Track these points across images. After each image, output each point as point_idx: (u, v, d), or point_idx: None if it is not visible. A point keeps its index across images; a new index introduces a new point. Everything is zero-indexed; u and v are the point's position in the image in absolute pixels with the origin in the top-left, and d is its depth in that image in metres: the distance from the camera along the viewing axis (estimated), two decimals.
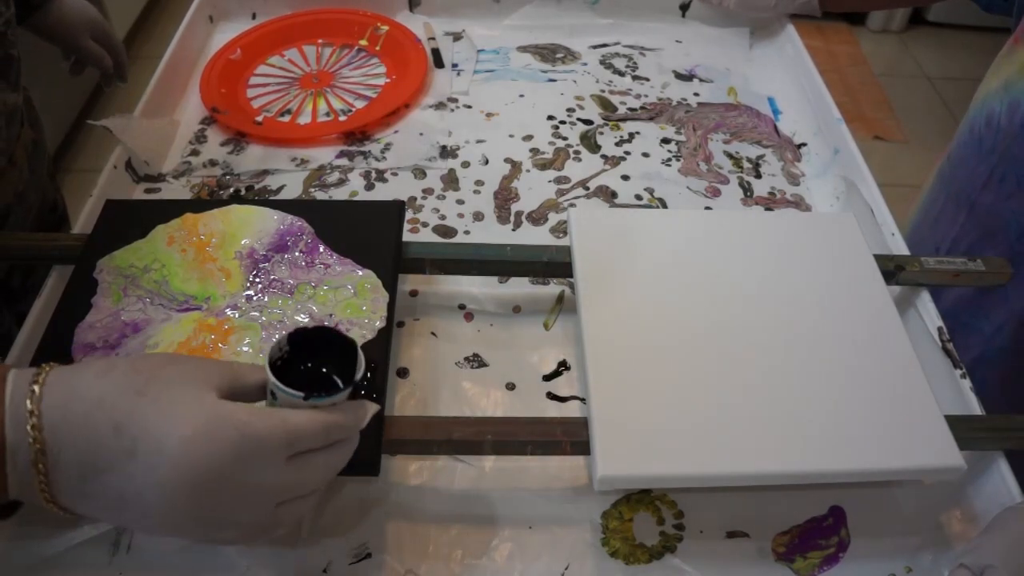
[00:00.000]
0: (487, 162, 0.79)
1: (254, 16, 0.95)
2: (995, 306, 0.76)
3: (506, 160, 0.79)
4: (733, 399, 0.52)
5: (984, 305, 0.76)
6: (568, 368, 0.61)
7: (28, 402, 0.37)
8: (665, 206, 0.75)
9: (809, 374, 0.54)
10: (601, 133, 0.83)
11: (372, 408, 0.42)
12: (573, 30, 0.97)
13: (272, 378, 0.39)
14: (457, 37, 0.95)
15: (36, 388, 0.38)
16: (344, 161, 0.78)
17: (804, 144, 0.83)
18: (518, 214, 0.73)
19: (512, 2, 0.97)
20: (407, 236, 0.68)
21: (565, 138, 0.82)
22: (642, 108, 0.86)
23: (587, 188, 0.76)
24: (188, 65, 0.88)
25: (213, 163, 0.77)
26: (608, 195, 0.76)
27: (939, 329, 0.61)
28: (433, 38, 0.94)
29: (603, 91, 0.88)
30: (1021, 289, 0.72)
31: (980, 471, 0.55)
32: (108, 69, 0.86)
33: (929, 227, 0.85)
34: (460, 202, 0.74)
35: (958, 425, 0.51)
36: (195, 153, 0.78)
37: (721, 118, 0.86)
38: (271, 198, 0.73)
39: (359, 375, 0.41)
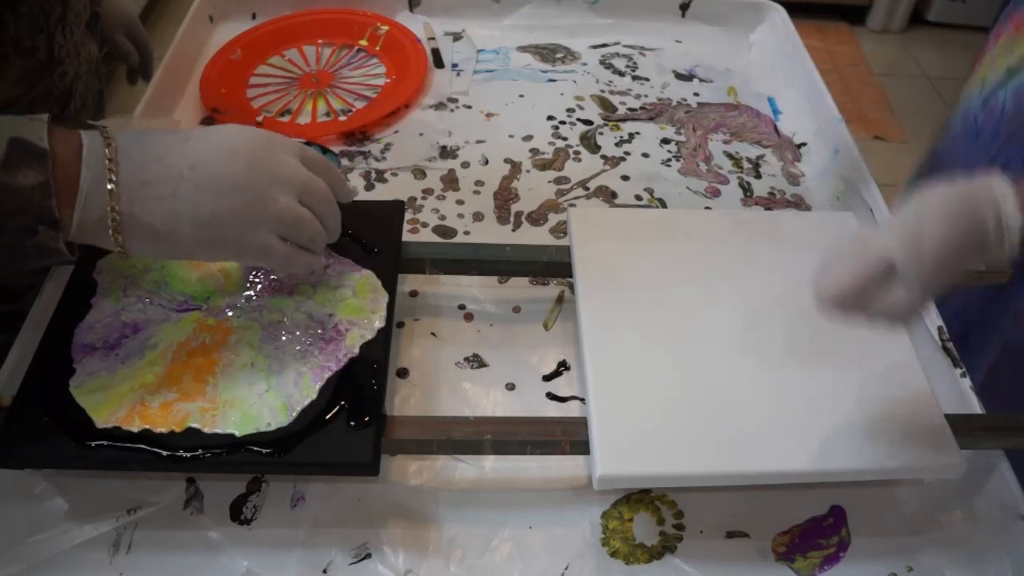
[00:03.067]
0: (487, 162, 0.79)
1: (254, 16, 0.95)
2: (996, 310, 0.75)
3: (506, 160, 0.79)
4: (733, 399, 0.52)
5: (985, 308, 0.76)
6: (568, 368, 0.61)
7: (102, 131, 0.46)
8: (665, 206, 0.75)
9: (809, 373, 0.54)
10: (601, 133, 0.83)
11: (353, 190, 0.54)
12: (573, 30, 0.97)
13: None
14: (457, 37, 0.95)
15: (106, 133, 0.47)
16: (344, 161, 0.78)
17: (804, 144, 0.83)
18: (518, 214, 0.73)
19: (512, 2, 0.97)
20: (407, 236, 0.68)
21: (565, 138, 0.82)
22: (642, 108, 0.86)
23: (587, 188, 0.76)
24: (188, 65, 0.88)
25: None
26: (608, 195, 0.76)
27: (939, 329, 0.61)
28: (433, 38, 0.94)
29: (603, 91, 0.88)
30: None
31: (980, 470, 0.55)
32: (134, 64, 0.90)
33: None
34: (460, 202, 0.74)
35: (958, 424, 0.51)
36: None
37: (721, 118, 0.86)
38: None
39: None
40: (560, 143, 0.81)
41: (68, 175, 0.44)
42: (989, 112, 0.75)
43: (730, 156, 0.81)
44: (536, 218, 0.73)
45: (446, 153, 0.79)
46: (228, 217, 0.47)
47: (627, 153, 0.81)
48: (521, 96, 0.87)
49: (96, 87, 0.78)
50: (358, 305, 0.56)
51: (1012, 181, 0.43)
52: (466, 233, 0.71)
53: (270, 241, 0.49)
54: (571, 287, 0.66)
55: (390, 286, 0.58)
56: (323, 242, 0.52)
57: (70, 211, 0.45)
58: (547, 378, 0.61)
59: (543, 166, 0.79)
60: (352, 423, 0.50)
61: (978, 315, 0.77)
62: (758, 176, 0.79)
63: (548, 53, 0.94)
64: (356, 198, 0.73)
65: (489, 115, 0.84)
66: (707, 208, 0.75)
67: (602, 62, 0.93)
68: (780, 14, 0.97)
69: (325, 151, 0.52)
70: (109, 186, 0.45)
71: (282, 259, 0.50)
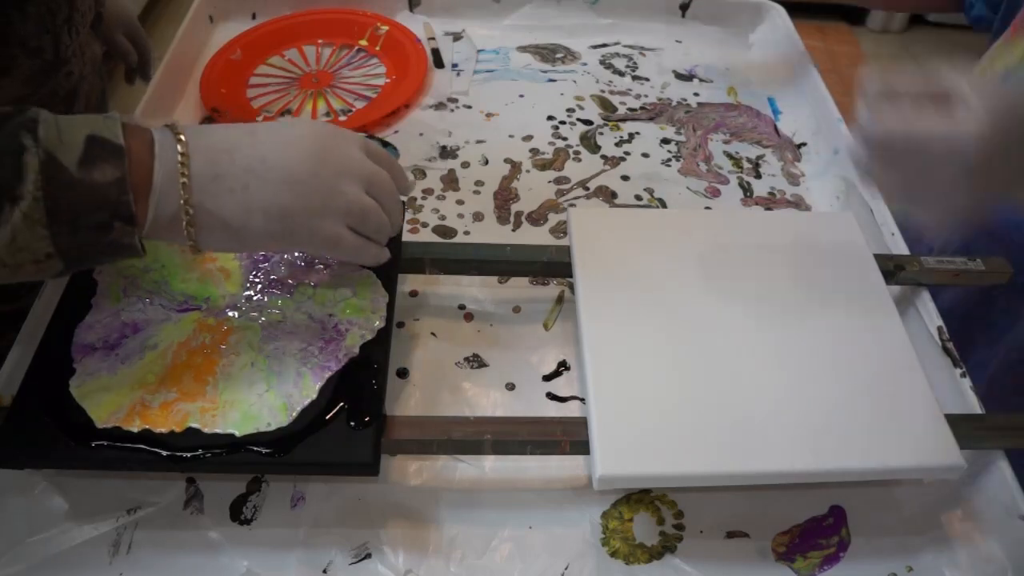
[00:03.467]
0: (487, 162, 0.79)
1: (254, 16, 0.95)
2: (997, 312, 0.75)
3: (506, 160, 0.79)
4: (733, 398, 0.52)
5: (999, 300, 0.75)
6: (568, 368, 0.61)
7: (171, 127, 0.47)
8: (665, 206, 0.75)
9: (809, 373, 0.54)
10: (601, 133, 0.83)
11: (412, 183, 0.57)
12: (573, 30, 0.97)
13: None
14: (457, 37, 0.95)
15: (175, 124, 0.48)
16: None
17: (804, 144, 0.83)
18: (518, 214, 0.73)
19: (512, 2, 0.97)
20: (407, 236, 0.68)
21: (565, 138, 0.82)
22: (642, 108, 0.86)
23: (587, 188, 0.76)
24: (188, 65, 0.88)
25: None
26: (608, 195, 0.76)
27: (939, 328, 0.61)
28: (433, 38, 0.94)
29: (603, 91, 0.88)
30: None
31: (980, 470, 0.55)
32: (133, 64, 0.91)
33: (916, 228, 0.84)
34: (460, 202, 0.74)
35: (958, 424, 0.51)
36: None
37: (721, 118, 0.86)
38: None
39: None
40: (560, 143, 0.81)
41: (142, 171, 0.45)
42: None
43: (730, 156, 0.81)
44: (536, 218, 0.73)
45: (446, 153, 0.79)
46: (298, 209, 0.49)
47: (627, 153, 0.81)
48: (521, 96, 0.87)
49: (99, 87, 0.78)
50: (358, 305, 0.56)
51: None
52: (466, 233, 0.71)
53: (339, 231, 0.51)
54: (571, 287, 0.66)
55: (390, 286, 0.58)
56: (388, 233, 0.54)
57: (145, 206, 0.46)
58: (547, 378, 0.61)
59: (543, 166, 0.79)
60: (352, 423, 0.50)
61: (978, 315, 0.77)
62: (758, 176, 0.79)
63: (548, 53, 0.94)
64: None
65: (489, 115, 0.84)
66: (707, 208, 0.75)
67: (602, 62, 0.93)
68: (780, 14, 0.97)
69: (385, 144, 0.53)
70: (182, 179, 0.46)
71: (352, 249, 0.52)
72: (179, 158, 0.46)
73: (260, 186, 0.47)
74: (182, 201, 0.46)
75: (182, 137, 0.46)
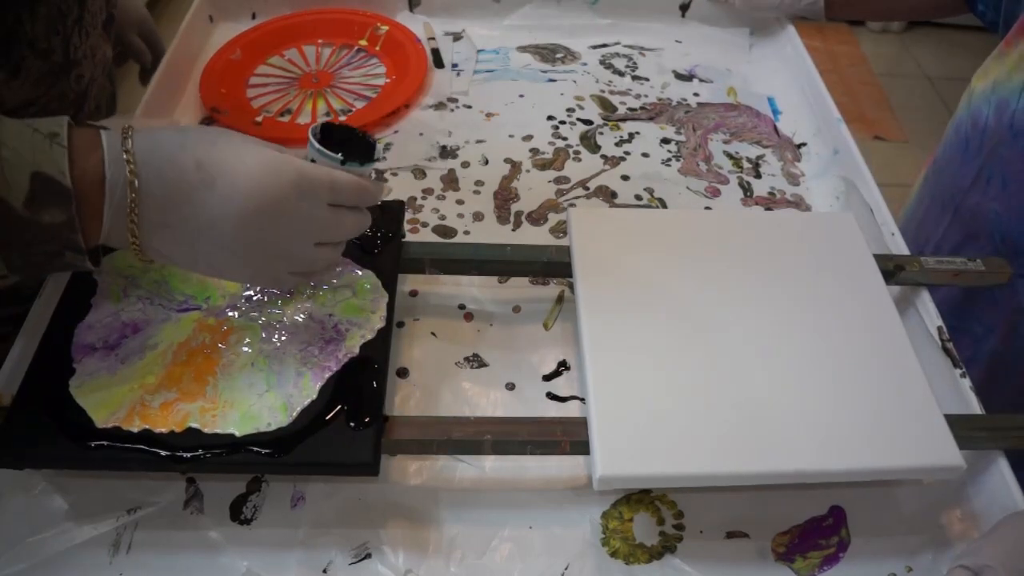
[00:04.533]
0: (487, 162, 0.79)
1: (254, 16, 0.95)
2: (985, 309, 0.76)
3: (506, 160, 0.79)
4: (733, 399, 0.52)
5: (974, 308, 0.76)
6: (568, 368, 0.61)
7: (124, 143, 0.45)
8: (665, 206, 0.75)
9: (809, 374, 0.54)
10: (601, 133, 0.83)
11: (387, 187, 0.52)
12: (573, 30, 0.97)
13: (316, 144, 0.49)
14: (457, 37, 0.95)
15: (128, 136, 0.45)
16: None
17: (804, 144, 0.83)
18: (518, 214, 0.73)
19: (512, 2, 0.97)
20: (407, 236, 0.68)
21: (565, 138, 0.82)
22: (642, 108, 0.86)
23: (587, 188, 0.76)
24: (188, 65, 0.88)
25: None
26: (608, 195, 0.76)
27: (939, 329, 0.61)
28: (433, 38, 0.94)
29: (603, 91, 0.88)
30: (1009, 292, 0.72)
31: (980, 471, 0.55)
32: (147, 64, 0.91)
33: (913, 230, 0.85)
34: (460, 202, 0.74)
35: (958, 425, 0.52)
36: None
37: (721, 118, 0.86)
38: None
39: (378, 155, 0.51)
40: (560, 143, 0.81)
41: (92, 210, 0.45)
42: (974, 123, 0.75)
43: (730, 156, 0.81)
44: (536, 218, 0.73)
45: (446, 153, 0.79)
46: (246, 274, 0.51)
47: (627, 153, 0.81)
48: (521, 96, 0.87)
49: (109, 90, 0.78)
50: (358, 305, 0.57)
51: None
52: (466, 233, 0.71)
53: (291, 279, 0.52)
54: (571, 287, 0.66)
55: (390, 286, 0.58)
56: (335, 274, 0.57)
57: (96, 237, 0.46)
58: (547, 378, 0.61)
59: (543, 166, 0.79)
60: (352, 423, 0.50)
61: (978, 315, 0.77)
62: (758, 176, 0.79)
63: (548, 53, 0.94)
64: None
65: (489, 115, 0.84)
66: (707, 208, 0.75)
67: (602, 62, 0.93)
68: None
69: (364, 135, 0.52)
70: (131, 224, 0.46)
71: (315, 277, 0.54)
72: (129, 202, 0.45)
73: (208, 248, 0.47)
74: (131, 240, 0.46)
75: (135, 178, 0.45)
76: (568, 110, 0.85)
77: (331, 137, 0.51)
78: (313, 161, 0.49)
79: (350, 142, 0.51)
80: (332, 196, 0.48)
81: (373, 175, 0.53)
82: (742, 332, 0.56)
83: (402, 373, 0.60)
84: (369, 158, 0.51)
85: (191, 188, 0.45)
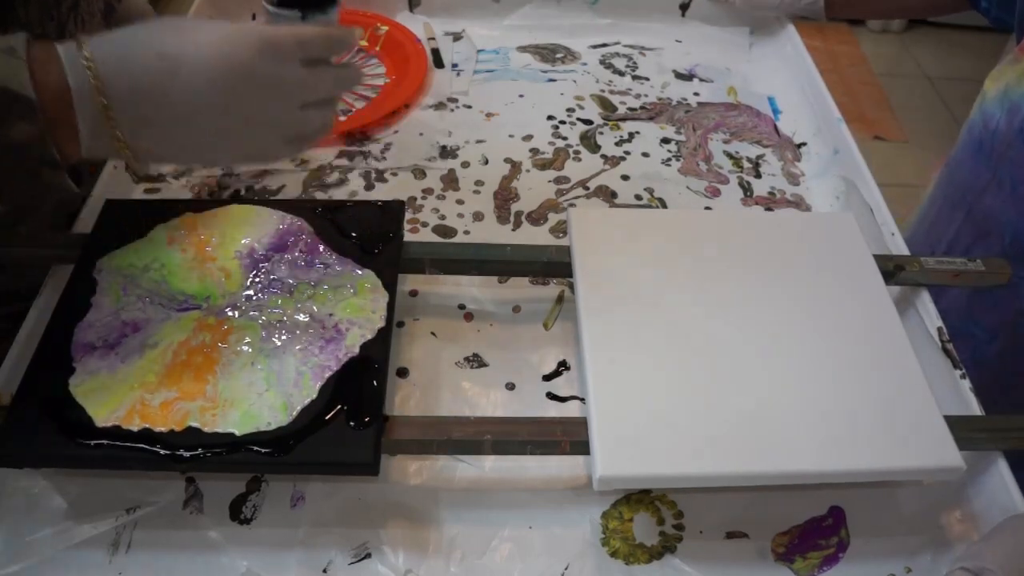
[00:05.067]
0: (487, 162, 0.79)
1: (254, 16, 0.95)
2: (986, 312, 0.76)
3: (506, 160, 0.79)
4: (733, 399, 0.52)
5: (975, 311, 0.76)
6: (568, 368, 0.61)
7: (81, 51, 0.44)
8: (665, 206, 0.75)
9: (808, 374, 0.54)
10: (601, 133, 0.83)
11: (359, 32, 0.50)
12: (573, 30, 0.97)
13: (271, 7, 0.48)
14: (457, 37, 0.95)
15: (84, 43, 0.44)
16: (344, 161, 0.78)
17: (804, 144, 0.83)
18: (518, 214, 0.73)
19: (512, 2, 0.97)
20: (407, 236, 0.68)
21: (565, 138, 0.82)
22: (642, 108, 0.86)
23: (587, 188, 0.76)
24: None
25: None
26: (608, 195, 0.76)
27: (939, 329, 0.61)
28: (433, 38, 0.94)
29: (603, 91, 0.88)
30: (1012, 295, 0.72)
31: (980, 471, 0.55)
32: None
33: (926, 230, 0.85)
34: (460, 202, 0.74)
35: (957, 425, 0.52)
36: None
37: (721, 118, 0.86)
38: (271, 198, 0.73)
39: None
40: (560, 143, 0.81)
41: (63, 122, 0.44)
42: (985, 126, 0.75)
43: (730, 156, 0.81)
44: (536, 218, 0.73)
45: (446, 153, 0.79)
46: (239, 150, 0.50)
47: (627, 153, 0.81)
48: (521, 96, 0.87)
49: None
50: (358, 305, 0.56)
51: None
52: (466, 233, 0.71)
53: (288, 148, 0.51)
54: (571, 287, 0.66)
55: (390, 286, 0.58)
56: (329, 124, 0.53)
57: (76, 151, 0.45)
58: (547, 378, 0.61)
59: (543, 166, 0.79)
60: (352, 423, 0.50)
61: (979, 315, 0.77)
62: (758, 176, 0.79)
63: (548, 53, 0.94)
64: (356, 198, 0.74)
65: (489, 115, 0.84)
66: (707, 208, 0.75)
67: (602, 62, 0.93)
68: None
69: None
70: (112, 131, 0.45)
71: (311, 142, 0.52)
72: (102, 108, 0.44)
73: (193, 135, 0.47)
74: (118, 144, 0.45)
75: (100, 85, 0.44)
76: (568, 110, 0.85)
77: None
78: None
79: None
80: (302, 52, 0.48)
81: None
82: (742, 332, 0.56)
83: (402, 373, 0.60)
84: (331, 3, 0.49)
85: (159, 78, 0.45)
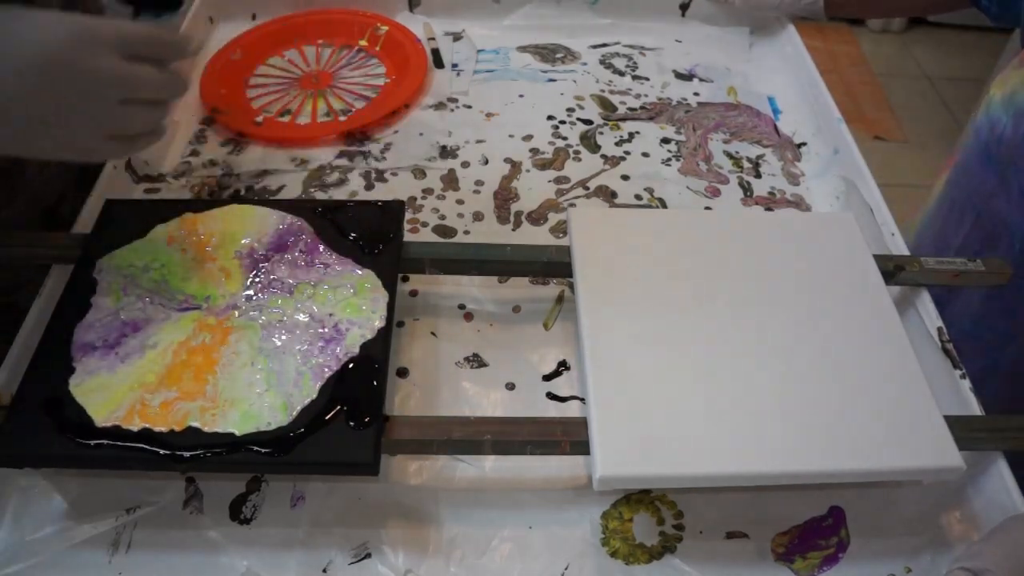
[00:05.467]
0: (487, 162, 0.79)
1: (254, 16, 0.95)
2: (1001, 318, 0.76)
3: (506, 160, 0.79)
4: (733, 399, 0.52)
5: (988, 315, 0.76)
6: (568, 368, 0.61)
7: None
8: (665, 206, 0.75)
9: (808, 374, 0.54)
10: (601, 133, 0.83)
11: (197, 41, 0.49)
12: (573, 30, 0.97)
13: None
14: (457, 37, 0.95)
15: None
16: (344, 161, 0.78)
17: (804, 144, 0.83)
18: (518, 214, 0.73)
19: (512, 2, 0.97)
20: (407, 236, 0.68)
21: (565, 138, 0.82)
22: (642, 108, 0.86)
23: (587, 188, 0.76)
24: (188, 65, 0.87)
25: (213, 163, 0.77)
26: (608, 195, 0.76)
27: (939, 329, 0.61)
28: (433, 38, 0.94)
29: (603, 91, 0.88)
30: (1022, 298, 0.72)
31: (979, 471, 0.55)
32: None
33: (934, 235, 0.85)
34: (460, 202, 0.74)
35: (957, 425, 0.52)
36: (195, 153, 0.78)
37: (721, 118, 0.86)
38: (271, 198, 0.73)
39: (182, 6, 0.49)
40: (560, 143, 0.81)
41: None
42: (992, 130, 0.75)
43: (730, 156, 0.81)
44: (536, 218, 0.73)
45: (446, 153, 0.79)
46: (55, 142, 0.48)
47: (627, 153, 0.81)
48: (521, 96, 0.87)
49: None
50: (358, 305, 0.57)
51: None
52: (466, 233, 0.71)
53: (110, 147, 0.50)
54: (571, 287, 0.66)
55: (390, 286, 0.58)
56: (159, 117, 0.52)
57: None
58: (547, 378, 0.61)
59: (543, 166, 0.79)
60: (352, 423, 0.50)
61: (979, 315, 0.77)
62: (758, 176, 0.79)
63: (548, 53, 0.94)
64: (356, 198, 0.74)
65: (489, 115, 0.84)
66: (707, 208, 0.75)
67: (602, 62, 0.93)
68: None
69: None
70: None
71: (138, 143, 0.51)
72: None
73: (7, 124, 0.46)
74: None
75: None
76: (568, 110, 0.85)
77: None
78: None
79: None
80: (122, 47, 0.47)
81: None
82: (741, 332, 0.56)
83: (402, 373, 0.60)
84: (167, 9, 0.49)
85: None
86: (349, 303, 0.57)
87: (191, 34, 0.50)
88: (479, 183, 0.76)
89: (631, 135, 0.83)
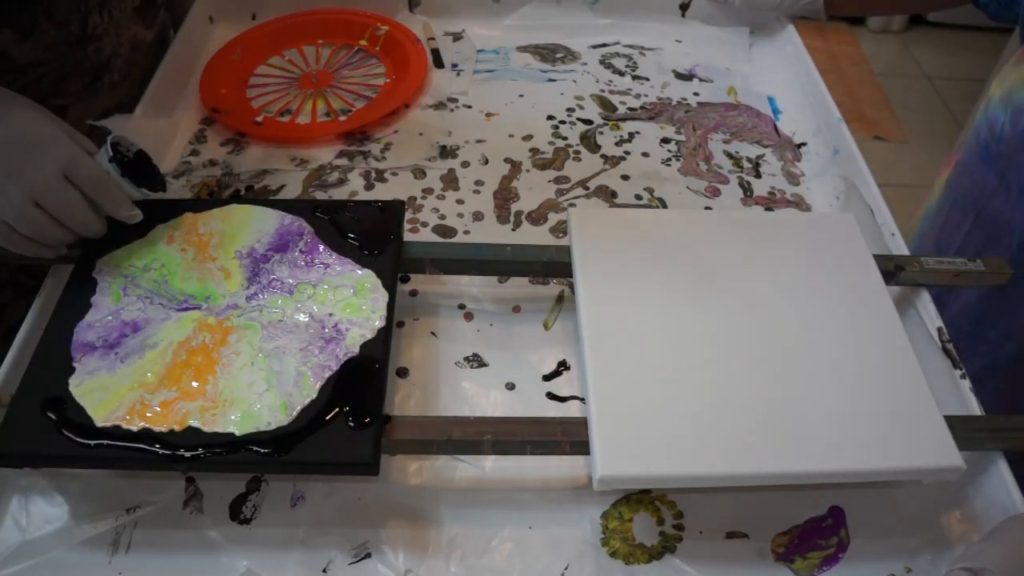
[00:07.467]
0: (487, 162, 0.79)
1: (254, 16, 0.95)
2: (1000, 316, 0.76)
3: (506, 160, 0.79)
4: (733, 399, 0.52)
5: (989, 314, 0.76)
6: (568, 368, 0.61)
7: None
8: (665, 206, 0.75)
9: (808, 374, 0.54)
10: (601, 133, 0.83)
11: (137, 214, 0.56)
12: (573, 30, 0.97)
13: (109, 149, 0.55)
14: (457, 37, 0.95)
15: None
16: (344, 161, 0.78)
17: (804, 144, 0.83)
18: (518, 214, 0.73)
19: (512, 2, 0.97)
20: (407, 236, 0.68)
21: (565, 138, 0.82)
22: (642, 108, 0.86)
23: (587, 188, 0.76)
24: (188, 65, 0.88)
25: (213, 163, 0.77)
26: (608, 195, 0.76)
27: (939, 329, 0.61)
28: (433, 38, 0.94)
29: (603, 91, 0.88)
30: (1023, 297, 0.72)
31: (979, 471, 0.55)
32: None
33: (935, 234, 0.85)
34: (460, 202, 0.74)
35: (957, 425, 0.52)
36: (195, 153, 0.78)
37: (721, 118, 0.86)
38: (271, 198, 0.73)
39: (153, 192, 0.59)
40: (560, 143, 0.81)
41: None
42: (991, 129, 0.75)
43: (730, 156, 0.81)
44: (536, 218, 0.73)
45: (446, 153, 0.79)
46: None
47: (627, 153, 0.81)
48: (521, 96, 0.87)
49: (142, 66, 0.80)
50: (358, 305, 0.57)
51: None
52: (466, 233, 0.71)
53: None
54: (571, 287, 0.66)
55: (390, 286, 0.58)
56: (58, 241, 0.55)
57: None
58: (547, 378, 0.61)
59: (543, 166, 0.79)
60: (352, 423, 0.50)
61: (979, 315, 0.77)
62: (758, 176, 0.79)
63: (548, 53, 0.94)
64: (356, 198, 0.74)
65: (489, 115, 0.84)
66: (707, 208, 0.75)
67: (602, 62, 0.93)
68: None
69: (157, 173, 0.59)
70: None
71: (13, 239, 0.53)
72: None
73: None
74: None
75: None
76: (568, 110, 0.85)
77: (139, 166, 0.58)
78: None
79: (143, 169, 0.58)
80: (68, 168, 0.50)
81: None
82: (741, 332, 0.56)
83: (402, 373, 0.60)
84: (151, 186, 0.57)
85: None
86: (349, 303, 0.57)
87: (136, 211, 0.57)
88: (479, 183, 0.76)
89: (631, 135, 0.83)
